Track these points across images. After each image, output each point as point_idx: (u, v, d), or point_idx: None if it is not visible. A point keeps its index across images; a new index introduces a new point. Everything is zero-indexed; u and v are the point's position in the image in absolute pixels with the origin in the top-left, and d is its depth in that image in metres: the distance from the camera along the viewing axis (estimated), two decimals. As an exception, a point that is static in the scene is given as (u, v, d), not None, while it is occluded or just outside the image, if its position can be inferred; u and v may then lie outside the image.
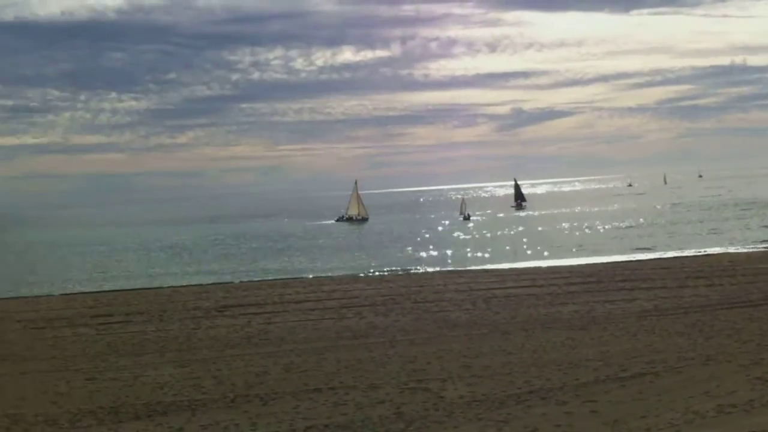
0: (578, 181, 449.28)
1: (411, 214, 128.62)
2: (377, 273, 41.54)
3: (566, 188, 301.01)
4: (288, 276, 42.30)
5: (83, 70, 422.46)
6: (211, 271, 48.09)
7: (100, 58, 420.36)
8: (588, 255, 46.97)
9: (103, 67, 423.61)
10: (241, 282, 39.59)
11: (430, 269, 42.88)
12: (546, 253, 49.88)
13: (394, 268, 43.94)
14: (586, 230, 71.43)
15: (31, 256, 72.99)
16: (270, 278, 41.15)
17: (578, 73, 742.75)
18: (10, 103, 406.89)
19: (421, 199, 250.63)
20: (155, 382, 15.57)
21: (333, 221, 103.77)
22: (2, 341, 22.46)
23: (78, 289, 41.10)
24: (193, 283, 40.58)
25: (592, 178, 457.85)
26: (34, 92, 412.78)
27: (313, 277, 39.88)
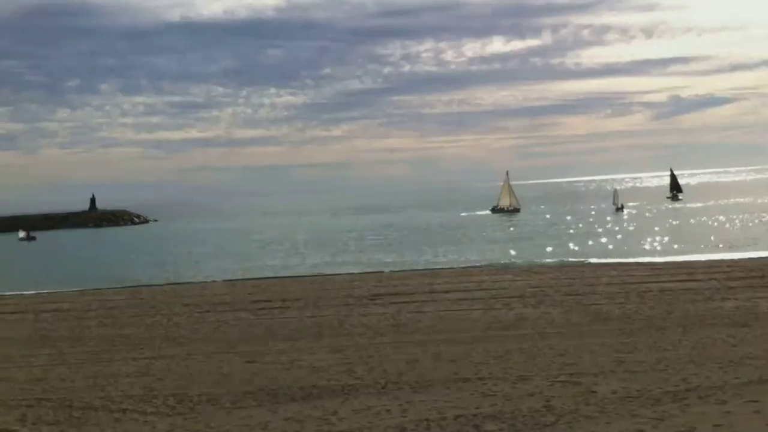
0: (742, 171, 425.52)
1: (562, 205, 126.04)
2: (526, 264, 40.99)
3: (727, 178, 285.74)
4: (437, 266, 42.46)
5: (244, 67, 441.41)
6: (364, 261, 49.00)
7: (260, 55, 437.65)
8: (750, 249, 44.41)
9: (263, 63, 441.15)
10: (391, 272, 40.11)
11: (581, 261, 41.89)
12: (703, 246, 47.58)
13: (543, 260, 43.22)
14: (749, 223, 67.58)
15: (196, 243, 76.90)
16: (420, 268, 41.46)
17: (741, 58, 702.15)
18: (177, 99, 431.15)
19: (573, 190, 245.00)
20: (311, 366, 16.02)
21: (488, 212, 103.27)
22: (171, 324, 23.81)
23: (239, 275, 42.96)
24: (346, 271, 41.51)
25: (757, 167, 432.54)
26: (200, 89, 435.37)
27: (462, 268, 39.84)
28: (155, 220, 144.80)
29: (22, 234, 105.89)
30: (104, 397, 14.06)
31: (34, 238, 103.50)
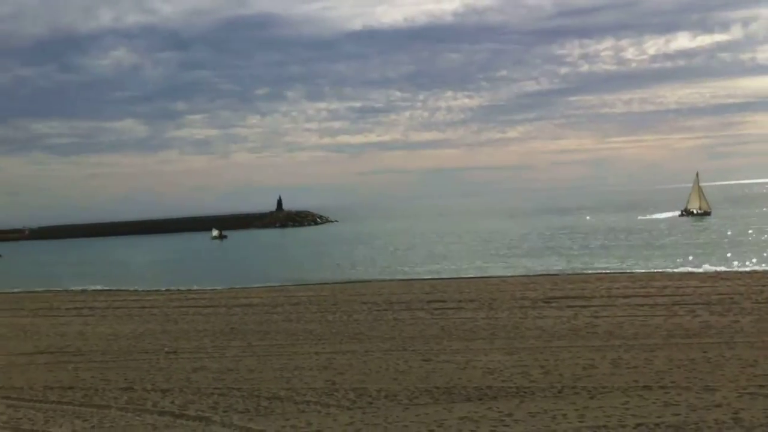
0: None
1: (757, 208, 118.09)
2: (713, 269, 38.77)
3: None
4: (616, 270, 41.04)
5: (422, 71, 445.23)
6: (539, 263, 48.19)
7: (438, 60, 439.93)
8: None
9: (440, 68, 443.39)
10: (567, 275, 39.20)
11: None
12: None
13: (731, 266, 40.71)
14: None
15: (375, 244, 78.61)
16: (597, 271, 40.25)
17: None
18: (358, 104, 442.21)
19: (765, 192, 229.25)
20: (485, 367, 15.98)
21: (671, 214, 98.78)
22: (351, 321, 24.48)
23: (415, 275, 43.48)
24: (521, 273, 41.01)
25: None
26: (379, 94, 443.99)
27: (643, 273, 38.28)
28: (336, 221, 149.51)
29: (215, 233, 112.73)
30: (289, 389, 14.69)
31: (225, 237, 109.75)
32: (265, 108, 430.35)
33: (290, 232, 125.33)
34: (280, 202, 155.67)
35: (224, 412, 13.19)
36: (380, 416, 12.38)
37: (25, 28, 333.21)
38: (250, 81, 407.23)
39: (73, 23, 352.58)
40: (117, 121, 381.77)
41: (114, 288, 43.83)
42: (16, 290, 46.58)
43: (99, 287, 45.13)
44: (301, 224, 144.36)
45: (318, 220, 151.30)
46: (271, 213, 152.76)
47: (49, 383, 16.40)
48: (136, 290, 41.59)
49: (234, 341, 21.42)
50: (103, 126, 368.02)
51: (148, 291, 40.71)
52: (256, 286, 41.06)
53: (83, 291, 43.56)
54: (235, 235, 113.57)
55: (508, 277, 38.82)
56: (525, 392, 13.59)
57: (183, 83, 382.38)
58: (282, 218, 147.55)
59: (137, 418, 13.07)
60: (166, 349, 20.53)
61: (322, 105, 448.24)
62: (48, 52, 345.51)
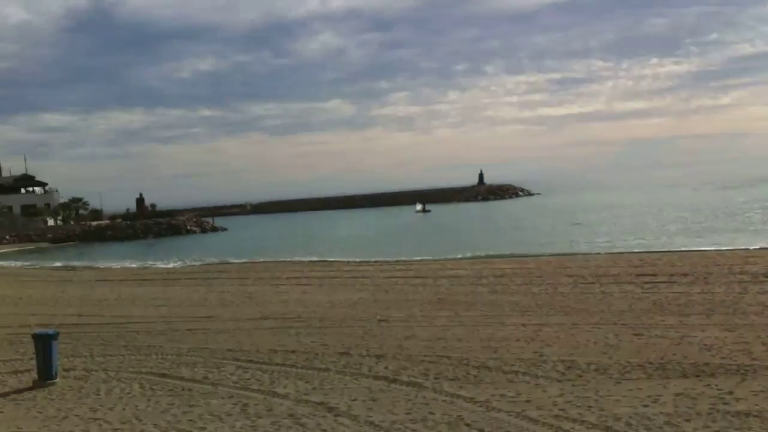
0: None
1: None
2: None
3: None
4: None
5: (625, 39, 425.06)
6: (760, 237, 44.90)
7: (642, 26, 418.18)
8: None
9: (644, 34, 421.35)
10: (792, 248, 36.25)
11: None
12: None
13: None
14: None
15: (579, 216, 76.67)
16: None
17: None
18: (558, 76, 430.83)
19: None
20: (701, 343, 15.20)
21: None
22: (556, 293, 24.11)
23: (623, 248, 42.00)
24: (739, 247, 38.45)
25: None
26: (580, 64, 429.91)
27: None
28: (538, 194, 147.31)
29: (418, 207, 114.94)
30: (497, 359, 14.75)
31: (429, 211, 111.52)
32: (464, 83, 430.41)
33: (492, 205, 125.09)
34: (481, 176, 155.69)
35: (435, 378, 13.47)
36: (590, 389, 12.14)
37: (240, 16, 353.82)
38: (449, 57, 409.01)
39: (284, 10, 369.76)
40: (326, 101, 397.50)
41: (328, 259, 45.91)
42: (241, 260, 50.03)
43: (314, 258, 47.44)
44: (502, 197, 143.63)
45: (519, 193, 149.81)
46: (473, 187, 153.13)
47: (274, 347, 17.49)
48: (348, 261, 43.30)
49: (442, 311, 21.78)
50: (313, 107, 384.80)
51: (359, 262, 42.26)
52: (460, 257, 41.47)
53: (301, 261, 46.01)
54: (437, 209, 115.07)
55: (725, 250, 36.53)
56: (746, 370, 12.78)
57: (385, 63, 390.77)
58: (483, 192, 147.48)
59: (354, 381, 13.66)
60: (378, 317, 21.26)
61: (522, 78, 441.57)
62: (262, 38, 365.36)
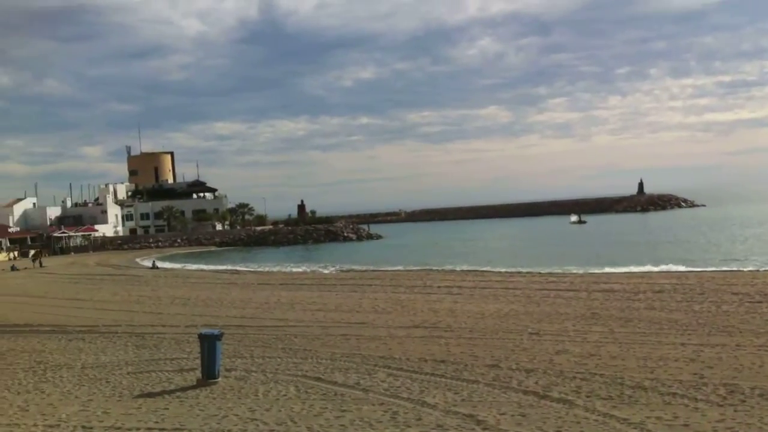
0: None
1: None
2: None
3: None
4: None
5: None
6: None
7: None
8: None
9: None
10: None
11: None
12: None
13: None
14: None
15: (744, 230, 72.32)
16: None
17: None
18: (728, 79, 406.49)
19: None
20: None
21: None
22: (720, 312, 22.81)
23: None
24: None
25: None
26: (752, 66, 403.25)
27: None
28: (703, 206, 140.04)
29: (573, 218, 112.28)
30: (654, 379, 14.13)
31: (584, 222, 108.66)
32: (626, 88, 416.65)
33: (652, 216, 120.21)
34: (641, 185, 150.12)
35: (587, 396, 13.08)
36: (754, 416, 11.39)
37: (400, 25, 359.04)
38: (610, 61, 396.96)
39: (443, 16, 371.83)
40: (482, 108, 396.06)
41: (479, 268, 45.70)
42: (395, 268, 50.71)
43: (466, 267, 47.37)
44: (663, 208, 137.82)
45: (682, 204, 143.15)
46: (632, 196, 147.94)
47: (424, 355, 17.59)
48: (499, 271, 42.93)
49: (595, 326, 21.14)
50: (469, 114, 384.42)
51: (511, 272, 41.80)
52: (616, 271, 40.11)
53: (452, 270, 46.06)
54: (594, 220, 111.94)
55: None
56: None
57: (544, 67, 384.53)
58: (643, 202, 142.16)
59: (503, 395, 13.49)
60: (529, 330, 20.92)
61: (688, 81, 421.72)
62: (421, 45, 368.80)
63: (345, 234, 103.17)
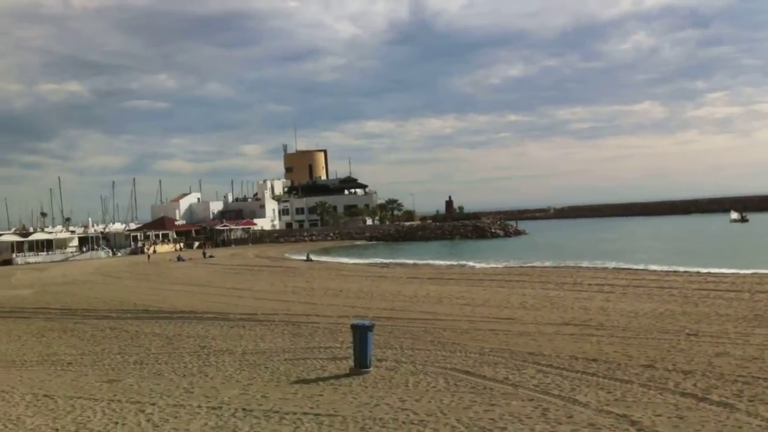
0: None
1: None
2: None
3: None
4: None
5: None
6: None
7: None
8: None
9: None
10: None
11: None
12: None
13: None
14: None
15: None
16: None
17: None
18: None
19: None
20: None
21: None
22: None
23: None
24: None
25: None
26: None
27: None
28: None
29: (734, 215, 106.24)
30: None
31: (747, 220, 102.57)
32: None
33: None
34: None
35: (749, 401, 12.36)
36: None
37: (550, 21, 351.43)
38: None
39: (595, 11, 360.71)
40: (635, 104, 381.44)
41: (633, 267, 44.10)
42: (543, 264, 49.84)
43: (618, 265, 45.85)
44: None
45: None
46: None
47: (574, 353, 17.19)
48: (654, 270, 41.26)
49: (759, 329, 19.91)
50: (621, 110, 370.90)
51: (666, 271, 40.07)
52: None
53: (603, 268, 44.72)
54: (757, 218, 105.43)
55: None
56: None
57: (702, 61, 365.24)
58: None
59: (659, 396, 12.97)
60: (686, 330, 20.00)
61: None
62: (571, 41, 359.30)
63: (492, 230, 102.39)
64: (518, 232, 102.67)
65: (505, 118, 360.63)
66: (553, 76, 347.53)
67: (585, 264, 48.14)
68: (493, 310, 26.04)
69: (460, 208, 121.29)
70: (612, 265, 46.30)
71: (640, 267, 43.44)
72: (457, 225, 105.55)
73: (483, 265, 52.65)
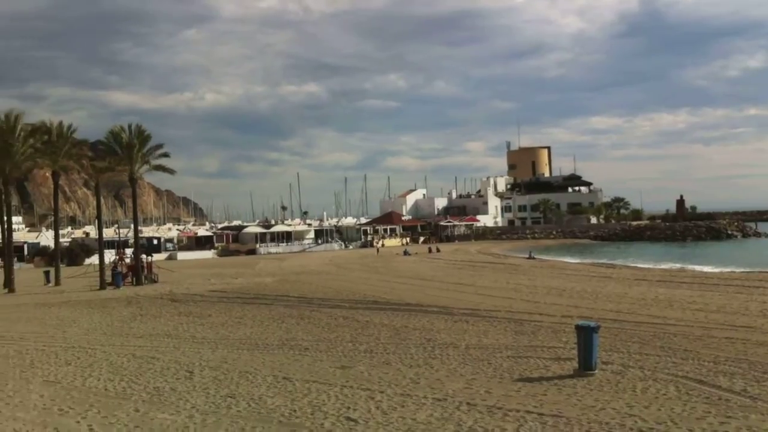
0: None
1: None
2: None
3: None
4: None
5: None
6: None
7: None
8: None
9: None
10: None
11: None
12: None
13: None
14: None
15: None
16: None
17: None
18: None
19: None
20: None
21: None
22: None
23: None
24: None
25: None
26: None
27: None
28: None
29: None
30: None
31: None
32: None
33: None
34: None
35: None
36: None
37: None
38: None
39: None
40: None
41: None
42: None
43: None
44: None
45: None
46: None
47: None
48: None
49: None
50: None
51: None
52: None
53: None
54: None
55: None
56: None
57: None
58: None
59: None
60: None
61: None
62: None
63: (728, 232, 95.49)
64: (758, 234, 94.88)
65: (743, 113, 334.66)
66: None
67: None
68: (729, 317, 24.30)
69: (693, 207, 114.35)
70: None
71: None
72: (689, 225, 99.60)
73: (721, 269, 49.26)
